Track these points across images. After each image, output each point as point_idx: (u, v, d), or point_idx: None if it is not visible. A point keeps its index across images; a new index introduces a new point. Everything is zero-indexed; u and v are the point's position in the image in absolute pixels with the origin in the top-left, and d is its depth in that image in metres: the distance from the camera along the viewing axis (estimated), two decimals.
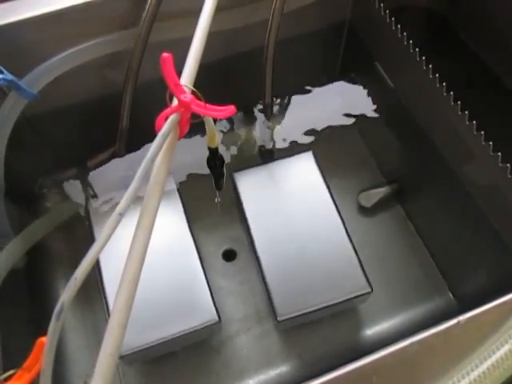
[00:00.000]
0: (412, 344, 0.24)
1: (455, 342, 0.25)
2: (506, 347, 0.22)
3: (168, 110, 0.24)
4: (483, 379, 0.22)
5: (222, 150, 0.33)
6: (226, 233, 0.44)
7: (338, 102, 0.50)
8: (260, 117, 0.46)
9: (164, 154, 0.25)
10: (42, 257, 0.43)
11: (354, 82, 0.50)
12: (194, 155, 0.42)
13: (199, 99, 0.25)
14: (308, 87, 0.50)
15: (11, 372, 0.22)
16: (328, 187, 0.41)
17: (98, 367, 0.20)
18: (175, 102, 0.25)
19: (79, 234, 0.43)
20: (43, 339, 0.21)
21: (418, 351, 0.24)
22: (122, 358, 0.34)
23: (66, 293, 0.20)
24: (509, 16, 0.42)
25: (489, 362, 0.22)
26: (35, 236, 0.42)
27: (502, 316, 0.25)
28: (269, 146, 0.47)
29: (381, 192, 0.46)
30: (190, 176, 0.46)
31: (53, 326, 0.20)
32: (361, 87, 0.50)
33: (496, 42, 0.44)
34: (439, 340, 0.25)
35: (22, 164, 0.41)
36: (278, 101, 0.48)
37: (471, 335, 0.25)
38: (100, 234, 0.22)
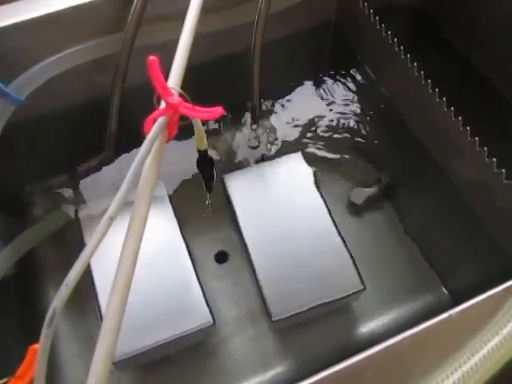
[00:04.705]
0: (404, 339, 0.25)
1: (448, 336, 0.26)
2: (497, 339, 0.23)
3: (156, 113, 0.24)
4: (475, 371, 0.22)
5: (211, 151, 0.33)
6: (217, 235, 0.44)
7: (326, 101, 0.50)
8: (248, 118, 0.46)
9: (153, 157, 0.25)
10: (32, 264, 0.43)
11: (341, 81, 0.51)
12: (184, 158, 0.42)
13: (187, 101, 0.25)
14: (295, 87, 0.50)
15: (4, 380, 0.22)
16: (318, 187, 0.41)
17: (91, 373, 0.20)
18: (163, 104, 0.25)
19: (70, 240, 0.43)
20: (35, 346, 0.21)
21: (411, 345, 0.25)
22: (115, 364, 0.33)
23: (58, 298, 0.20)
24: (491, 15, 0.43)
25: (480, 354, 0.22)
26: (26, 245, 0.41)
27: (492, 308, 0.25)
28: (258, 147, 0.47)
29: (370, 191, 0.47)
30: (180, 179, 0.46)
31: (45, 332, 0.20)
32: (348, 86, 0.50)
33: (480, 41, 0.45)
34: (432, 334, 0.25)
35: (9, 171, 0.41)
36: (266, 101, 0.49)
37: (463, 328, 0.25)
38: (90, 239, 0.22)
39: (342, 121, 0.49)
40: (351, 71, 0.50)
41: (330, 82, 0.51)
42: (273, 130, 0.48)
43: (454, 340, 0.24)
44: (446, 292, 0.42)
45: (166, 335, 0.34)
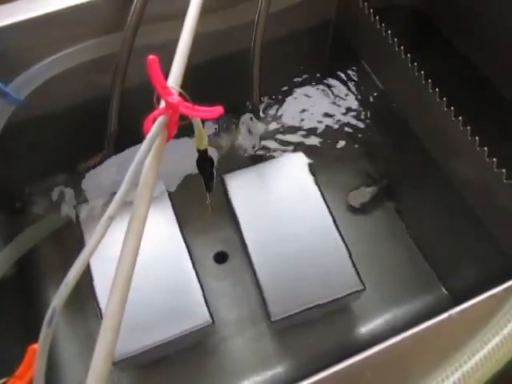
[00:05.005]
0: (404, 339, 0.24)
1: (448, 336, 0.25)
2: (498, 338, 0.23)
3: (156, 113, 0.24)
4: (475, 371, 0.22)
5: (211, 151, 0.33)
6: (217, 235, 0.44)
7: (326, 101, 0.50)
8: (248, 117, 0.46)
9: (153, 157, 0.25)
10: (32, 263, 0.43)
11: (341, 81, 0.51)
12: (183, 157, 0.42)
13: (186, 101, 0.25)
14: (295, 87, 0.50)
15: (3, 380, 0.22)
16: (318, 187, 0.41)
17: (91, 372, 0.20)
18: (163, 104, 0.25)
19: (69, 239, 0.43)
20: (35, 346, 0.20)
21: (411, 346, 0.25)
22: (114, 364, 0.33)
23: (57, 298, 0.20)
24: (491, 15, 0.43)
25: (481, 354, 0.22)
26: (26, 245, 0.41)
27: (493, 308, 0.25)
28: (258, 146, 0.47)
29: (371, 190, 0.47)
30: (180, 179, 0.46)
31: (44, 332, 0.20)
32: (348, 86, 0.50)
33: (480, 41, 0.45)
34: (432, 334, 0.25)
35: (9, 171, 0.41)
36: (266, 101, 0.49)
37: (463, 328, 0.25)
38: (90, 239, 0.21)
39: (341, 121, 0.49)
40: (351, 71, 0.50)
41: (329, 81, 0.51)
42: (273, 129, 0.48)
43: (454, 340, 0.24)
44: (446, 292, 0.42)
45: (166, 335, 0.34)
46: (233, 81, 0.43)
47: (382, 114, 0.47)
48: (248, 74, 0.41)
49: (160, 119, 0.24)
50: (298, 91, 0.50)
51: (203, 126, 0.29)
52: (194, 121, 0.28)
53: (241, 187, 0.41)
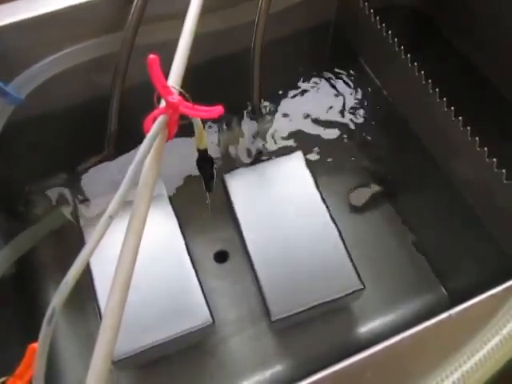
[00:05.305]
0: (404, 339, 0.24)
1: (447, 336, 0.25)
2: (497, 338, 0.23)
3: (156, 112, 0.24)
4: (475, 371, 0.22)
5: (211, 151, 0.33)
6: (217, 234, 0.44)
7: (326, 100, 0.50)
8: (248, 117, 0.46)
9: (153, 156, 0.25)
10: (32, 263, 0.43)
11: (341, 81, 0.51)
12: (183, 157, 0.42)
13: (187, 100, 0.25)
14: (295, 87, 0.50)
15: (3, 379, 0.22)
16: (318, 187, 0.41)
17: (91, 371, 0.20)
18: (163, 103, 0.25)
19: (69, 239, 0.43)
20: (34, 345, 0.20)
21: (411, 345, 0.25)
22: (114, 363, 0.33)
23: (57, 297, 0.20)
24: (491, 15, 0.43)
25: (480, 354, 0.22)
26: (26, 244, 0.41)
27: (492, 308, 0.25)
28: (258, 146, 0.47)
29: (370, 190, 0.47)
30: (180, 178, 0.46)
31: (44, 331, 0.20)
32: (348, 86, 0.50)
33: (480, 41, 0.45)
34: (431, 334, 0.25)
35: (9, 171, 0.41)
36: (266, 101, 0.49)
37: (463, 328, 0.25)
38: (90, 238, 0.22)
39: (341, 120, 0.49)
40: (351, 71, 0.50)
41: (329, 82, 0.51)
42: (273, 129, 0.48)
43: (454, 340, 0.24)
44: (446, 292, 0.42)
45: (166, 335, 0.34)
46: (233, 81, 0.43)
47: (382, 113, 0.47)
48: (248, 74, 0.41)
49: (160, 119, 0.24)
50: (298, 91, 0.51)
51: (203, 125, 0.29)
52: (194, 120, 0.28)
53: (241, 187, 0.41)
